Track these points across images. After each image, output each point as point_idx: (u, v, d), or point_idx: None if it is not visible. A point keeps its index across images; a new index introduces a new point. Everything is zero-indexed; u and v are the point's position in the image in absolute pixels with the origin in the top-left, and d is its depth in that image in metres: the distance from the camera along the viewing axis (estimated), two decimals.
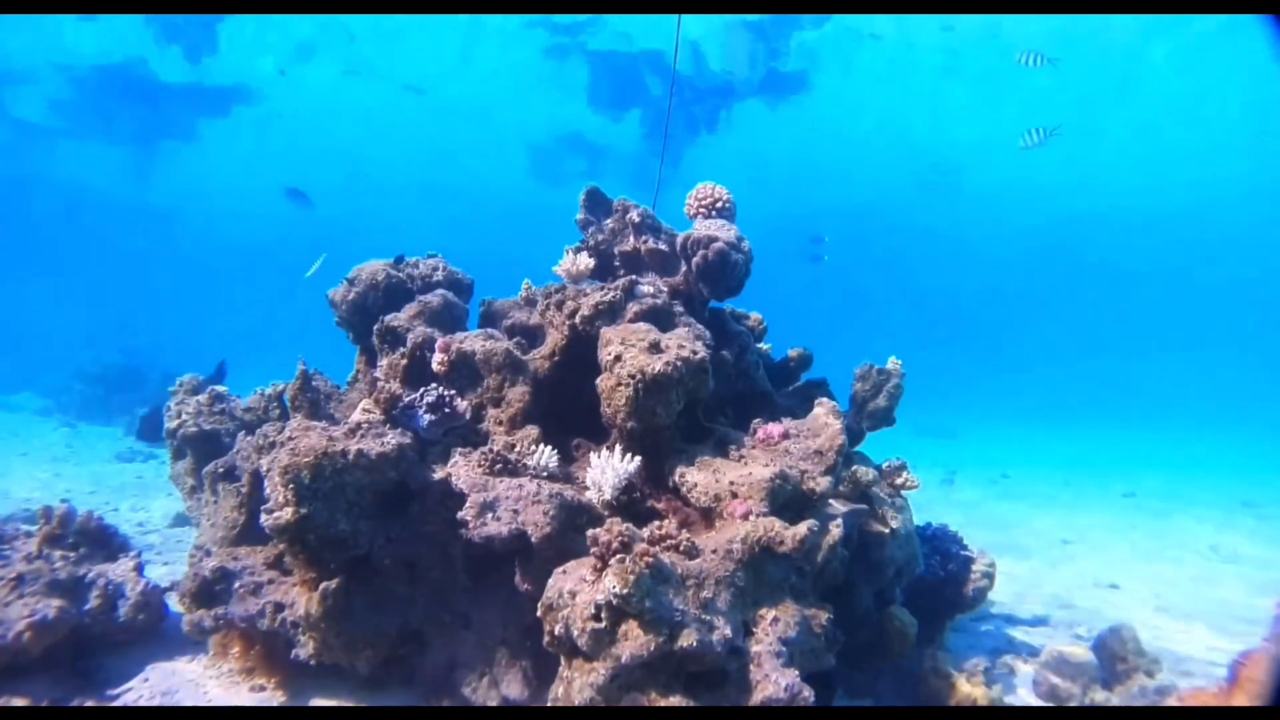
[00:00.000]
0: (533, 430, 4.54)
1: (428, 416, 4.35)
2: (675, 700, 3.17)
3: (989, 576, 5.35)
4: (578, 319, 4.56)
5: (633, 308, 4.67)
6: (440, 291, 5.45)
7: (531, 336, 5.25)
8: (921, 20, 22.33)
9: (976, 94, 27.19)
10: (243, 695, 3.98)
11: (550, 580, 3.42)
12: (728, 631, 3.32)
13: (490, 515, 3.76)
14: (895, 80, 25.92)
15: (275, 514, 3.83)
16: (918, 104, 28.06)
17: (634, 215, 5.21)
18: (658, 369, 4.06)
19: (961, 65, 24.96)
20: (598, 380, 4.24)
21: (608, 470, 3.99)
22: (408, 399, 4.47)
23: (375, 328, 5.14)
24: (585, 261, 4.96)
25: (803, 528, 3.78)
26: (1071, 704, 4.46)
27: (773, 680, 3.22)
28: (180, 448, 5.86)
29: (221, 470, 5.22)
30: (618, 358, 4.19)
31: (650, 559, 3.26)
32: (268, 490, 3.99)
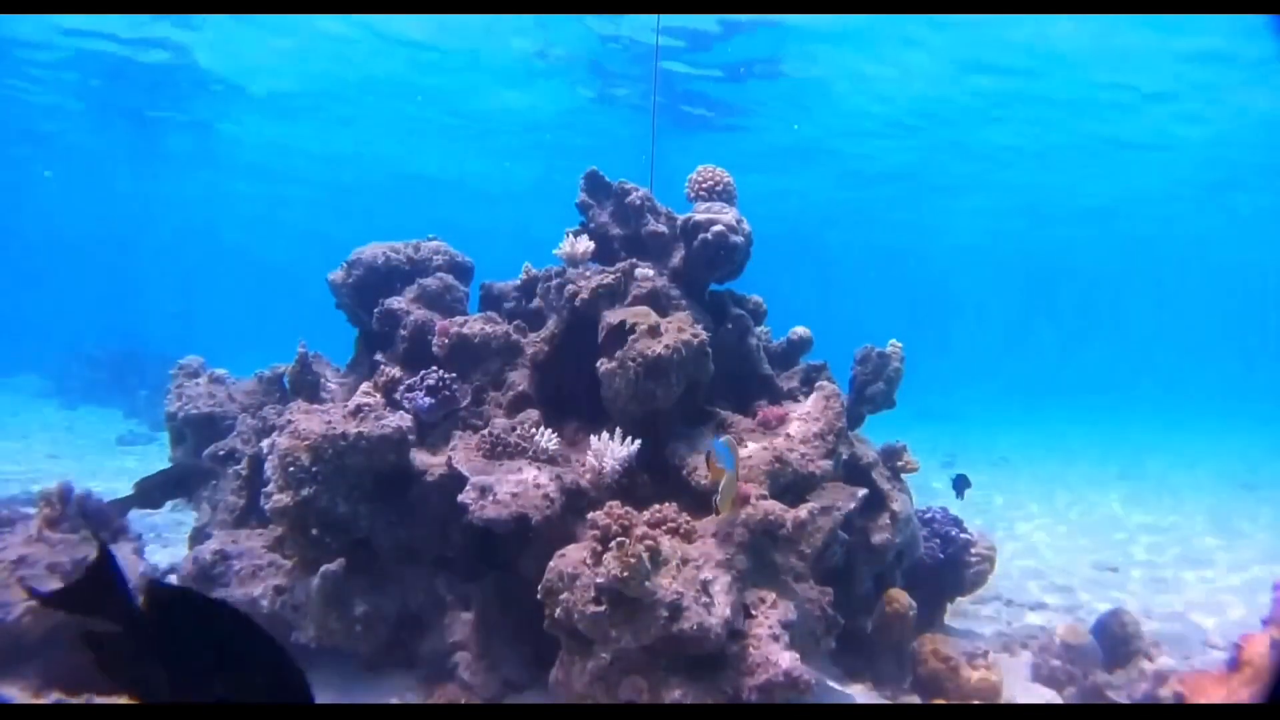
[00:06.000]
0: (533, 413, 4.54)
1: (427, 399, 4.34)
2: (675, 683, 3.18)
3: (988, 560, 5.36)
4: (578, 302, 4.53)
5: (633, 290, 4.65)
6: (440, 274, 5.42)
7: (531, 319, 5.23)
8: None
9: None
10: None
11: (550, 563, 3.42)
12: (727, 614, 3.33)
13: (490, 498, 3.75)
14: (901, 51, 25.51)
15: (275, 497, 3.84)
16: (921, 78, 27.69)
17: (634, 198, 5.18)
18: (658, 352, 4.05)
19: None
20: (598, 363, 4.23)
21: (607, 453, 3.99)
22: (407, 382, 4.46)
23: (375, 311, 5.12)
24: (585, 244, 4.93)
25: (802, 511, 3.78)
26: (1072, 687, 4.47)
27: (773, 662, 3.23)
28: (180, 431, 5.85)
29: (222, 453, 5.22)
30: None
31: (650, 542, 3.26)
32: (268, 473, 3.99)
